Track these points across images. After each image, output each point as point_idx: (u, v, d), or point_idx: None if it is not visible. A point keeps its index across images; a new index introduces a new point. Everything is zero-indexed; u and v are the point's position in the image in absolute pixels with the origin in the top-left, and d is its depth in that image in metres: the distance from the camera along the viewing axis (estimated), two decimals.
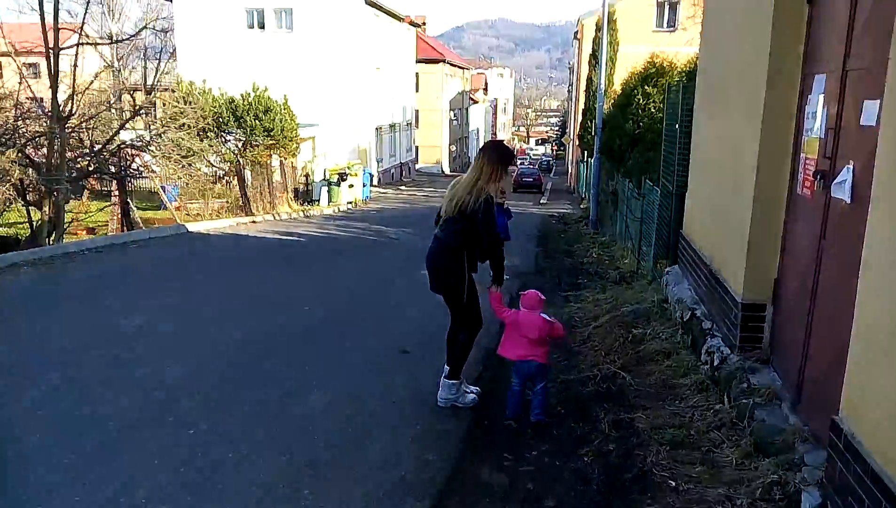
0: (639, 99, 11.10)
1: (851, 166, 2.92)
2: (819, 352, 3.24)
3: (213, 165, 19.33)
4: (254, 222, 15.14)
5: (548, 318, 4.06)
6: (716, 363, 4.27)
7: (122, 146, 15.51)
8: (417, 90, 47.23)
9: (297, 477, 3.29)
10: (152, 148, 15.93)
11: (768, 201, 4.05)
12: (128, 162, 16.33)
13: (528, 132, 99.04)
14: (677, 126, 6.62)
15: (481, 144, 4.62)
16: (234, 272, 8.41)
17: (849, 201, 2.94)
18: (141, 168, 17.34)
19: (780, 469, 2.97)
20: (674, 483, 3.17)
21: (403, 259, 10.22)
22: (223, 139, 19.81)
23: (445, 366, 4.19)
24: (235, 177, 17.32)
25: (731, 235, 4.54)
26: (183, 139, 16.66)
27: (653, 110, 10.34)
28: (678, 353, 4.84)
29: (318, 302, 6.89)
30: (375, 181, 34.34)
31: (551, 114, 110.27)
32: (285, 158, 21.66)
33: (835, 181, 3.08)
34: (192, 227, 13.26)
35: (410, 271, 9.01)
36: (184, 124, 16.56)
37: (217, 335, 5.57)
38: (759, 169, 4.05)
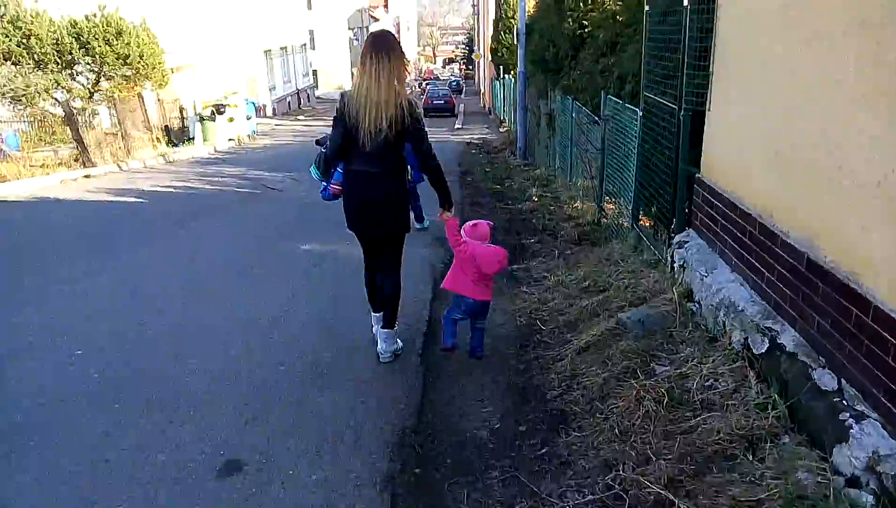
0: None
1: None
2: None
3: (62, 105, 15.34)
4: (87, 176, 11.56)
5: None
6: None
7: None
8: (310, 7, 42.39)
9: None
10: None
11: None
12: None
13: (434, 52, 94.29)
14: (685, 4, 4.07)
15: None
16: None
17: None
18: None
19: None
20: None
21: (282, 222, 7.19)
22: (73, 72, 15.79)
23: (379, 327, 3.65)
24: (68, 119, 13.44)
25: None
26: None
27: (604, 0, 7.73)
28: (776, 442, 2.44)
29: (107, 334, 4.01)
30: (270, 111, 30.43)
31: (456, 31, 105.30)
32: (153, 91, 17.89)
33: None
34: None
35: (288, 241, 6.21)
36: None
37: None
38: None
